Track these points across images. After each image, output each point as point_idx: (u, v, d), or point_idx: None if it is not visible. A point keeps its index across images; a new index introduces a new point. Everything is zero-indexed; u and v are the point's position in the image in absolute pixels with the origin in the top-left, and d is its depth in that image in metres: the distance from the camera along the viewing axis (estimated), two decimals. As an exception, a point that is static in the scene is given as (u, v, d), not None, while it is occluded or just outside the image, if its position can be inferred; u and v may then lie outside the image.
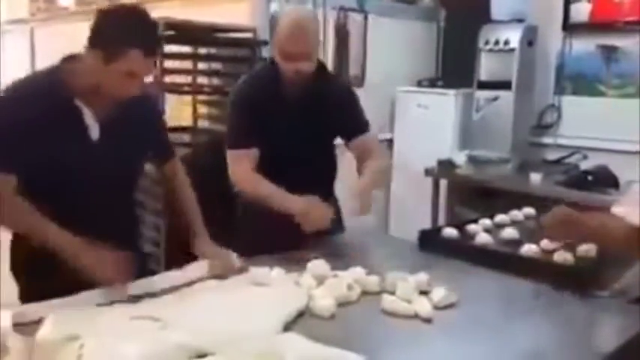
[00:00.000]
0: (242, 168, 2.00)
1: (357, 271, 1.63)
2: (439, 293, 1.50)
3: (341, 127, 2.13)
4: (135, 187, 1.84)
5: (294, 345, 1.21)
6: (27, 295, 1.61)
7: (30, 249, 1.57)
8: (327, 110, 2.05)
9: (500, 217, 2.25)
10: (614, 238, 1.51)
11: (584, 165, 3.54)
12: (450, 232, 2.04)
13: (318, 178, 2.11)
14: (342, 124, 2.12)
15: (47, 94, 1.54)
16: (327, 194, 2.16)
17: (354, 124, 2.14)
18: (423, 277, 1.60)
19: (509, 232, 2.05)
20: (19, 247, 1.66)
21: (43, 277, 1.54)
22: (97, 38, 1.51)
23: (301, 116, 2.01)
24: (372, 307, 1.49)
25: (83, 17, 5.15)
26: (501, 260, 1.81)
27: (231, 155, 2.04)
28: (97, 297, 1.45)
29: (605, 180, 3.17)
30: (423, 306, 1.46)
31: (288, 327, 1.34)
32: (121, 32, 1.50)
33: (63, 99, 1.56)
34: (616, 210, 1.48)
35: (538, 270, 1.73)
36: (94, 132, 1.60)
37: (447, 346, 1.34)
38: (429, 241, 2.00)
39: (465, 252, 1.87)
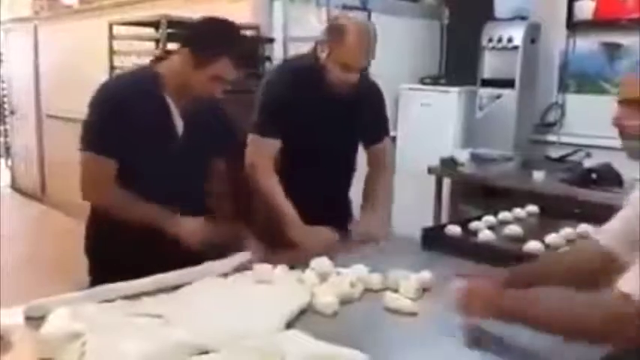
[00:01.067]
0: (263, 160, 2.00)
1: (359, 269, 1.63)
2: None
3: (366, 132, 2.17)
4: (206, 179, 1.94)
5: (297, 342, 1.21)
6: (98, 272, 1.77)
7: (108, 230, 1.75)
8: (359, 114, 2.09)
9: (503, 215, 2.25)
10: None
11: (588, 163, 3.53)
12: (453, 229, 2.04)
13: (337, 178, 2.16)
14: (369, 128, 2.17)
15: (144, 90, 1.72)
16: (343, 195, 2.22)
17: (378, 131, 2.21)
18: (425, 275, 1.60)
19: (513, 229, 2.05)
20: (97, 228, 1.83)
21: (118, 256, 1.70)
22: (191, 42, 1.71)
23: (335, 116, 2.03)
24: (375, 304, 1.49)
25: (86, 15, 5.16)
26: (505, 257, 1.81)
27: (254, 140, 2.02)
28: (101, 293, 1.45)
29: (609, 178, 3.16)
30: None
31: (290, 324, 1.34)
32: (214, 41, 1.69)
33: (157, 96, 1.73)
34: (624, 288, 1.10)
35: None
36: (180, 127, 1.77)
37: (448, 344, 1.34)
38: (432, 239, 2.00)
39: (468, 249, 1.86)
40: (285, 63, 2.36)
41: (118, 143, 1.68)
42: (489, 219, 2.17)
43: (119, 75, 1.79)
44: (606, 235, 1.36)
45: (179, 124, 1.77)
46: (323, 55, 1.96)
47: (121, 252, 1.70)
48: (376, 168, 2.20)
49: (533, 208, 2.37)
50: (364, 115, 2.11)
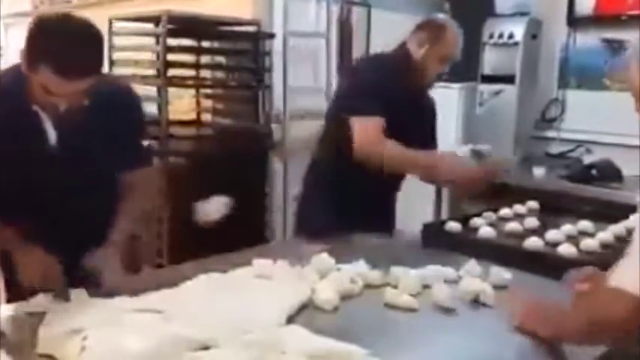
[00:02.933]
0: (376, 135, 2.02)
1: (360, 265, 1.63)
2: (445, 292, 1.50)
3: (425, 140, 2.27)
4: (107, 190, 1.67)
5: (297, 337, 1.22)
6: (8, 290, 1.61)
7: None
8: (427, 117, 2.33)
9: (503, 211, 2.25)
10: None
11: (588, 159, 3.53)
12: (454, 225, 2.04)
13: (396, 176, 2.25)
14: (427, 133, 2.35)
15: (13, 92, 1.49)
16: (395, 190, 2.38)
17: (431, 138, 2.40)
18: (426, 271, 1.60)
19: (513, 226, 2.05)
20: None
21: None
22: (23, 49, 1.45)
23: (417, 112, 2.19)
24: (375, 300, 1.50)
25: (85, 10, 5.15)
26: (505, 254, 1.81)
27: (360, 121, 2.05)
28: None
29: (609, 174, 3.16)
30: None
31: (290, 319, 1.34)
32: (36, 47, 1.42)
33: (23, 100, 1.49)
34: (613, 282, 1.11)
35: (542, 263, 1.72)
36: (52, 137, 1.53)
37: (448, 340, 1.34)
38: (433, 235, 2.00)
39: (469, 245, 1.87)
40: (379, 55, 2.43)
41: None
42: (489, 215, 2.17)
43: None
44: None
45: (50, 133, 1.53)
46: (420, 51, 2.13)
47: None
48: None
49: (533, 204, 2.37)
50: (430, 124, 2.37)
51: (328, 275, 1.56)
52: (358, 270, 1.60)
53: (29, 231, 1.50)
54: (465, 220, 2.10)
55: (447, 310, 1.46)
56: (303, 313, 1.40)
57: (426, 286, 1.56)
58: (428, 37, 2.13)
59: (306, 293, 1.46)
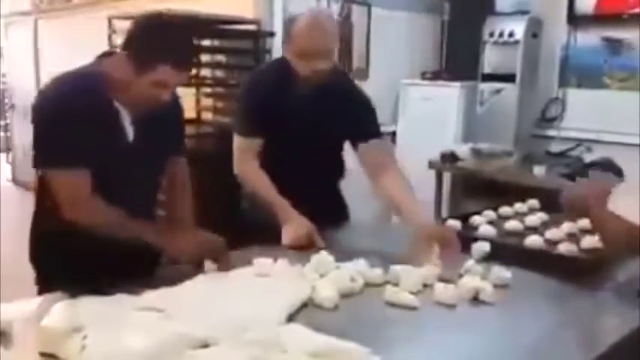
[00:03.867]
0: (248, 158, 2.03)
1: (360, 263, 1.63)
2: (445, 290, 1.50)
3: (348, 132, 2.07)
4: (159, 186, 1.83)
5: (297, 336, 1.21)
6: (45, 283, 1.64)
7: (57, 237, 1.60)
8: (336, 112, 2.02)
9: (503, 210, 2.25)
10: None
11: (588, 157, 3.53)
12: (454, 224, 2.04)
13: (321, 178, 2.11)
14: (350, 128, 2.06)
15: (90, 93, 1.54)
16: (331, 190, 2.21)
17: (362, 131, 2.06)
18: (427, 269, 1.60)
19: (513, 224, 2.05)
20: (45, 235, 1.67)
21: (64, 267, 1.58)
22: (129, 46, 1.54)
23: (309, 116, 1.99)
24: (375, 298, 1.49)
25: (86, 9, 5.15)
26: (505, 252, 1.81)
27: (237, 141, 2.06)
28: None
29: (610, 173, 3.16)
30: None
31: (291, 318, 1.34)
32: (151, 46, 1.51)
33: (104, 100, 1.57)
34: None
35: (543, 262, 1.72)
36: (130, 133, 1.62)
37: (448, 338, 1.34)
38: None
39: (468, 244, 1.86)
40: (265, 64, 2.42)
41: (83, 152, 1.52)
42: (489, 214, 2.17)
43: (60, 77, 1.57)
44: None
45: (129, 130, 1.62)
46: (283, 49, 2.00)
47: (70, 262, 1.57)
48: (380, 168, 2.03)
49: (533, 203, 2.37)
50: (347, 117, 2.03)
51: (328, 274, 1.56)
52: (358, 268, 1.60)
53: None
54: (464, 219, 2.10)
55: (448, 308, 1.46)
56: (304, 311, 1.40)
57: (426, 284, 1.56)
58: (284, 35, 1.99)
59: (306, 292, 1.46)
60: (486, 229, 1.99)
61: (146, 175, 1.70)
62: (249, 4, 3.55)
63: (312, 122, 2.00)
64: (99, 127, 1.54)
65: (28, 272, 1.74)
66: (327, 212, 2.06)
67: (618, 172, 3.16)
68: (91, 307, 1.31)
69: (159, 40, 1.52)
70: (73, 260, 1.56)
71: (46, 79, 5.31)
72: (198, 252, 1.60)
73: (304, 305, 1.42)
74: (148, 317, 1.29)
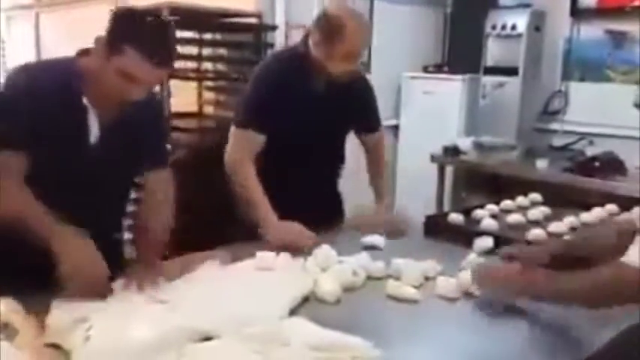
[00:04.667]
0: (245, 154, 1.94)
1: (362, 257, 1.64)
2: (447, 284, 1.50)
3: (357, 123, 2.15)
4: (126, 195, 1.73)
5: (300, 329, 1.22)
6: None
7: None
8: (346, 105, 2.03)
9: (505, 203, 2.25)
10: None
11: (591, 151, 3.53)
12: (456, 217, 2.04)
13: (324, 171, 2.13)
14: (359, 119, 2.14)
15: (59, 85, 1.47)
16: (332, 184, 2.20)
17: (370, 121, 2.19)
18: (427, 263, 1.60)
19: (515, 218, 2.05)
20: None
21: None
22: (106, 32, 1.44)
23: (323, 107, 1.97)
24: (377, 292, 1.50)
25: (88, 2, 5.14)
26: (507, 245, 1.81)
27: (236, 134, 1.98)
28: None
29: (612, 166, 3.16)
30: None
31: (293, 311, 1.34)
32: (122, 28, 1.42)
33: (72, 94, 1.47)
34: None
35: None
36: (94, 134, 1.51)
37: (450, 331, 1.34)
38: (435, 227, 2.00)
39: (471, 237, 1.86)
40: (274, 56, 2.29)
41: (27, 136, 1.42)
42: (492, 207, 2.17)
43: (35, 63, 1.51)
44: None
45: (94, 130, 1.51)
46: (319, 49, 1.89)
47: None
48: (374, 160, 2.22)
49: (536, 197, 2.37)
50: (356, 109, 2.09)
51: (330, 268, 1.57)
52: (360, 262, 1.60)
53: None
54: (467, 212, 2.10)
55: (449, 302, 1.46)
56: (306, 305, 1.40)
57: (427, 278, 1.56)
58: (324, 36, 1.87)
59: (308, 286, 1.46)
60: (489, 223, 1.99)
61: (108, 183, 1.57)
62: (251, -3, 3.54)
63: (323, 117, 1.97)
64: (59, 118, 1.45)
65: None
66: (326, 210, 2.06)
67: (620, 166, 3.15)
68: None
69: (131, 24, 1.43)
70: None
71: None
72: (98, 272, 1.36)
73: (306, 299, 1.43)
74: (151, 309, 1.29)
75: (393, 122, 4.26)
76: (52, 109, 1.44)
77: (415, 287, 1.50)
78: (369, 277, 1.57)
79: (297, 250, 1.70)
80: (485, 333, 1.33)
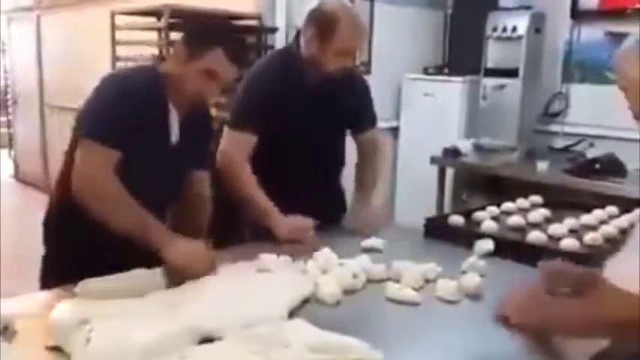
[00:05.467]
0: (239, 154, 1.94)
1: (362, 259, 1.64)
2: (447, 286, 1.50)
3: (353, 121, 2.14)
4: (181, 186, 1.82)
5: (300, 331, 1.22)
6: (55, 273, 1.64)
7: (76, 228, 1.59)
8: (342, 102, 2.03)
9: (506, 205, 2.24)
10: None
11: (592, 153, 3.53)
12: (457, 219, 2.04)
13: (324, 169, 2.12)
14: (355, 117, 2.13)
15: (146, 89, 1.60)
16: (333, 184, 2.20)
17: (365, 119, 2.17)
18: (429, 265, 1.60)
19: (516, 220, 2.05)
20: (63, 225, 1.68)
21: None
22: (184, 36, 1.63)
23: (318, 106, 1.98)
24: (378, 295, 1.50)
25: (88, 5, 5.14)
26: (508, 247, 1.81)
27: (230, 135, 1.98)
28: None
29: (612, 168, 3.16)
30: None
31: (293, 313, 1.34)
32: (206, 32, 1.63)
33: (158, 97, 1.62)
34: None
35: (545, 257, 1.72)
36: (175, 135, 1.67)
37: (450, 334, 1.34)
38: (435, 229, 2.00)
39: (471, 240, 1.86)
40: (267, 56, 2.29)
41: (121, 136, 1.55)
42: (493, 209, 2.17)
43: (124, 69, 1.69)
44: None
45: (175, 131, 1.67)
46: (310, 47, 1.89)
47: (81, 254, 1.58)
48: (364, 157, 2.20)
49: (536, 199, 2.37)
50: (352, 106, 2.07)
51: (331, 270, 1.57)
52: (360, 264, 1.60)
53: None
54: (467, 214, 2.10)
55: (450, 304, 1.46)
56: (306, 307, 1.40)
57: (428, 280, 1.56)
58: (317, 33, 1.87)
59: (308, 287, 1.46)
60: (489, 225, 1.99)
61: (182, 178, 1.75)
62: (252, -1, 3.55)
63: (319, 115, 1.99)
64: (149, 120, 1.59)
65: (30, 267, 1.75)
66: (328, 209, 2.05)
67: (620, 168, 3.15)
68: (97, 300, 1.32)
69: (213, 27, 1.64)
70: (84, 253, 1.58)
71: (48, 74, 5.34)
72: (192, 263, 1.50)
73: (307, 301, 1.43)
74: (153, 311, 1.29)
75: (393, 124, 4.26)
76: (143, 112, 1.57)
77: (415, 290, 1.50)
78: (370, 280, 1.57)
79: (304, 240, 1.80)
80: (485, 336, 1.33)
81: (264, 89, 1.95)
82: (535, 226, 2.02)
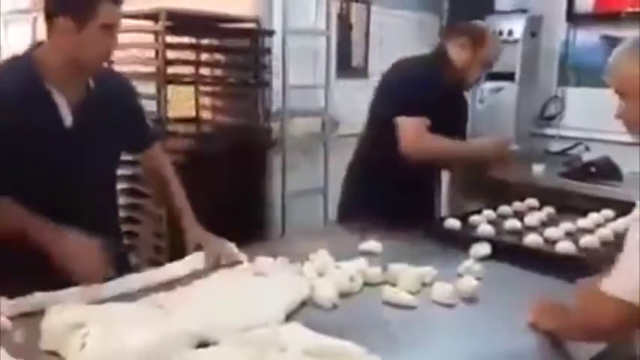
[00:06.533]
0: (420, 130, 2.13)
1: (359, 262, 1.63)
2: (444, 289, 1.50)
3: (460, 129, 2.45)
4: (113, 176, 1.76)
5: (297, 335, 1.22)
6: None
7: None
8: (462, 117, 2.46)
9: (502, 209, 2.25)
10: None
11: (587, 156, 3.53)
12: (453, 222, 2.04)
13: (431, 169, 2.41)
14: (462, 126, 2.50)
15: (17, 80, 1.49)
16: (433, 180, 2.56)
17: (464, 129, 2.55)
18: (425, 269, 1.60)
19: (512, 223, 2.05)
20: None
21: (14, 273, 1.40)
22: (62, 6, 1.48)
23: (450, 112, 2.27)
24: (374, 298, 1.50)
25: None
26: (504, 250, 1.81)
27: (406, 121, 2.14)
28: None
29: (608, 171, 3.17)
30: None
31: (290, 317, 1.34)
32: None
33: (33, 83, 1.50)
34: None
35: (541, 260, 1.73)
36: (67, 118, 1.53)
37: (446, 338, 1.34)
38: (432, 232, 2.00)
39: (468, 243, 1.87)
40: (420, 58, 2.45)
41: None
42: (489, 213, 2.17)
43: None
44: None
45: (66, 114, 1.53)
46: (462, 56, 2.23)
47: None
48: None
49: (532, 202, 2.37)
50: (464, 121, 2.50)
51: (327, 273, 1.57)
52: (357, 268, 1.60)
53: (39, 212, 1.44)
54: (464, 218, 2.10)
55: (446, 308, 1.46)
56: (302, 310, 1.40)
57: (424, 284, 1.56)
58: (469, 43, 2.22)
59: (305, 291, 1.46)
60: (485, 229, 1.99)
61: (92, 164, 1.58)
62: (248, 2, 3.54)
63: (449, 123, 2.22)
64: (28, 108, 1.46)
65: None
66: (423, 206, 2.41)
67: (616, 171, 3.16)
68: (92, 304, 1.32)
69: None
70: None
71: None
72: (78, 263, 1.40)
73: (303, 304, 1.42)
74: (148, 314, 1.29)
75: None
76: (16, 102, 1.45)
77: (412, 293, 1.50)
78: (366, 283, 1.57)
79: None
80: (481, 339, 1.33)
81: (422, 81, 2.18)
82: (531, 229, 2.02)
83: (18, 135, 1.45)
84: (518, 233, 1.98)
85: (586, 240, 1.87)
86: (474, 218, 2.10)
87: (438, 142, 2.15)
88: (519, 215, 2.20)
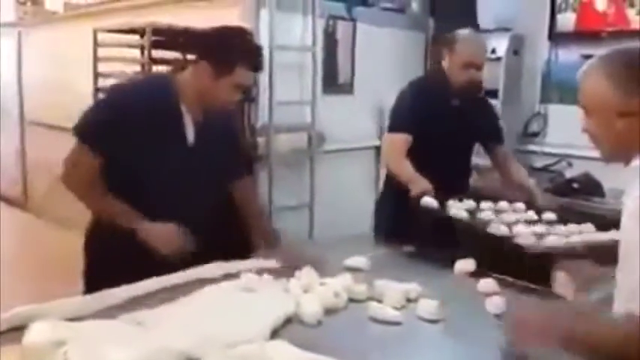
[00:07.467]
0: (395, 150, 2.31)
1: (344, 278, 1.64)
2: (429, 305, 1.50)
3: (483, 135, 2.52)
4: (218, 197, 1.93)
5: (282, 352, 1.21)
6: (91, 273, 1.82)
7: (108, 232, 1.75)
8: (474, 118, 2.43)
9: (486, 204, 2.17)
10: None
11: (569, 173, 3.57)
12: (431, 202, 2.01)
13: (456, 176, 2.44)
14: (485, 132, 2.53)
15: (156, 95, 1.75)
16: (462, 191, 2.41)
17: (495, 134, 2.57)
18: (410, 285, 1.61)
19: (486, 214, 2.02)
20: (97, 230, 1.84)
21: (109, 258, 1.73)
22: (207, 54, 1.74)
23: (456, 119, 2.35)
24: (359, 314, 1.50)
25: (71, 22, 5.13)
26: (471, 234, 1.84)
27: (387, 137, 2.40)
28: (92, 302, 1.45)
29: (590, 187, 3.21)
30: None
31: (275, 333, 1.34)
32: (231, 51, 1.73)
33: (169, 102, 1.76)
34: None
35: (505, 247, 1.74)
36: (190, 136, 1.79)
37: (432, 353, 1.35)
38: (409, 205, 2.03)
39: (441, 222, 1.89)
40: (421, 76, 2.79)
41: (115, 142, 1.69)
42: (469, 203, 2.14)
43: (134, 78, 1.90)
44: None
45: (190, 133, 1.79)
46: (446, 64, 2.34)
47: (118, 256, 1.71)
48: (508, 166, 2.56)
49: (520, 205, 2.30)
50: (482, 122, 2.50)
51: (313, 289, 1.56)
52: (342, 284, 1.60)
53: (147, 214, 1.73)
54: (442, 201, 2.07)
55: (431, 324, 1.46)
56: (288, 327, 1.40)
57: (409, 300, 1.56)
58: (446, 49, 2.36)
59: (290, 307, 1.46)
60: (458, 212, 1.98)
61: (203, 177, 1.82)
62: (235, 18, 3.55)
63: (456, 127, 2.33)
64: (153, 125, 1.70)
65: (7, 286, 1.72)
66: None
67: (597, 187, 3.20)
68: (73, 322, 1.30)
69: (238, 46, 1.75)
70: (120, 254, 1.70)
71: (29, 91, 5.26)
72: (178, 245, 1.70)
73: (288, 321, 1.42)
74: (131, 330, 1.28)
75: (375, 143, 4.28)
76: (148, 115, 1.69)
77: (397, 309, 1.50)
78: (351, 299, 1.57)
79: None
80: (466, 355, 1.34)
81: (409, 100, 2.40)
82: (503, 223, 1.97)
83: (150, 142, 1.70)
84: (489, 223, 1.93)
85: (551, 239, 1.83)
86: (451, 203, 2.07)
87: (404, 167, 2.25)
88: (500, 214, 2.14)
